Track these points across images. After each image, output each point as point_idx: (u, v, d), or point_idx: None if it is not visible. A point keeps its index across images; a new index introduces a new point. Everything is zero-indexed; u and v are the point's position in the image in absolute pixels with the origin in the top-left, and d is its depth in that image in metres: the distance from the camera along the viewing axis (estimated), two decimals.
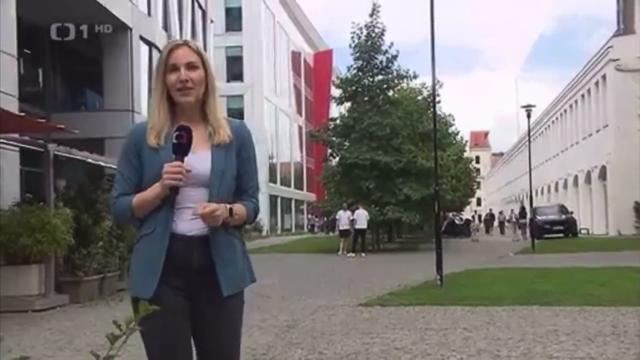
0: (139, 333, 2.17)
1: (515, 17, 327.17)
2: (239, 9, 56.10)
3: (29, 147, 12.72)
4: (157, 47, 23.19)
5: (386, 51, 30.61)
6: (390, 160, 28.24)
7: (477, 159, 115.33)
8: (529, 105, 32.34)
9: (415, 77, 31.15)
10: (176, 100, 2.82)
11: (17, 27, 14.74)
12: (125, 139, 2.91)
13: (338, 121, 31.90)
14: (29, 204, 12.16)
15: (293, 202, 66.36)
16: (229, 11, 55.72)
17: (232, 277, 2.81)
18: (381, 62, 30.56)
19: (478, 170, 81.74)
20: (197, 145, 2.76)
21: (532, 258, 22.58)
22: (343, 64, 47.69)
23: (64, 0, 17.90)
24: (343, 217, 26.96)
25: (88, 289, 12.44)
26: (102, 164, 14.24)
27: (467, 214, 65.27)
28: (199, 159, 2.77)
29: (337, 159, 31.36)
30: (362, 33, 30.56)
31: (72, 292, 12.07)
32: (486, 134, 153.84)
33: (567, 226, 38.45)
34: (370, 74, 30.52)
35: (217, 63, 44.16)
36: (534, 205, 36.53)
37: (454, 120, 45.88)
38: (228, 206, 2.77)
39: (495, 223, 56.56)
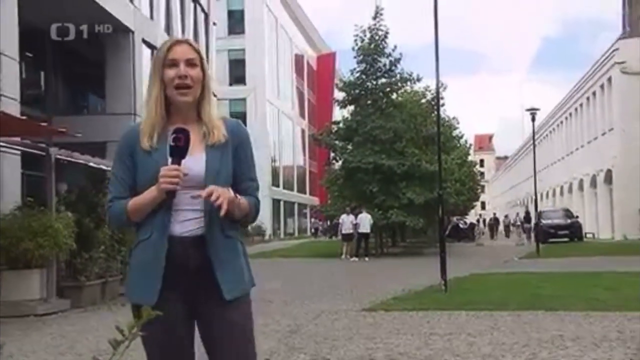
0: (140, 339, 2.14)
1: (519, 20, 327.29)
2: (242, 12, 56.14)
3: (30, 150, 12.67)
4: None
5: (390, 54, 30.56)
6: (394, 163, 28.17)
7: (482, 163, 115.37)
8: (534, 109, 32.22)
9: (419, 79, 31.14)
10: (173, 100, 2.77)
11: (19, 30, 14.72)
12: (119, 140, 2.86)
13: (341, 124, 31.84)
14: (30, 207, 12.11)
15: (296, 206, 66.33)
16: (231, 14, 55.75)
17: (233, 280, 2.75)
18: (384, 65, 30.50)
19: (482, 173, 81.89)
20: (192, 146, 2.70)
21: (537, 262, 22.51)
22: (346, 66, 48.04)
23: (66, 3, 17.90)
24: (346, 221, 26.88)
25: (90, 294, 12.39)
26: (104, 167, 14.16)
27: (471, 217, 65.11)
28: (194, 161, 2.71)
29: (340, 162, 31.29)
30: (365, 36, 30.52)
31: (74, 296, 12.01)
32: (490, 137, 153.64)
33: (573, 230, 38.24)
34: (374, 76, 30.46)
35: (219, 66, 44.09)
36: (539, 209, 36.37)
37: (458, 123, 45.95)
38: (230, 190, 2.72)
39: (500, 227, 56.41)
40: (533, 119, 32.38)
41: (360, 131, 29.25)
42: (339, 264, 24.54)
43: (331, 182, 32.05)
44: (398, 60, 30.55)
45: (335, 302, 12.01)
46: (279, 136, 60.92)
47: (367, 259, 26.05)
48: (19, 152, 13.44)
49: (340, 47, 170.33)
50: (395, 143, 28.84)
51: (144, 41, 22.42)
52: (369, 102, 30.38)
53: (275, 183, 57.32)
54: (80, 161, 13.09)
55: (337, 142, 31.40)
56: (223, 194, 2.61)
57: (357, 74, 30.79)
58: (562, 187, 57.16)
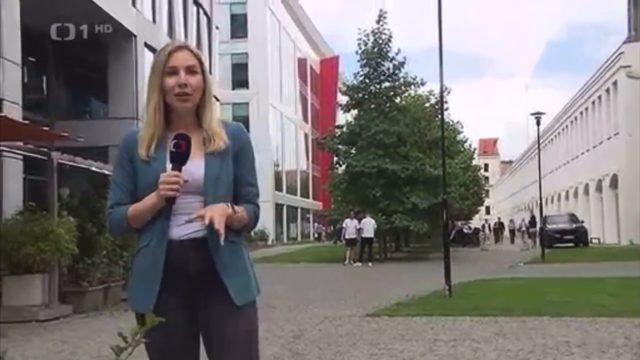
0: (143, 346, 2.11)
1: (524, 24, 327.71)
2: (245, 16, 56.16)
3: (32, 155, 12.63)
4: None
5: (393, 58, 30.49)
6: (398, 168, 28.07)
7: (486, 167, 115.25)
8: (539, 113, 32.10)
9: (422, 84, 31.03)
10: (173, 106, 2.71)
11: (22, 35, 14.70)
12: (119, 146, 2.81)
13: (344, 128, 31.74)
14: (32, 212, 12.07)
15: (299, 211, 66.26)
16: (234, 18, 55.79)
17: (241, 285, 2.70)
18: (388, 68, 30.42)
19: (487, 178, 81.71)
20: (192, 152, 2.65)
21: (542, 268, 22.45)
22: (350, 70, 47.97)
23: (68, 7, 17.90)
24: (350, 226, 26.80)
25: (92, 299, 12.36)
26: (106, 172, 14.10)
27: (476, 222, 64.98)
28: (194, 167, 2.66)
29: (344, 166, 31.21)
30: (368, 39, 30.45)
31: (76, 302, 11.98)
32: (495, 142, 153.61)
33: (578, 235, 38.08)
34: (377, 80, 30.39)
35: (222, 70, 44.14)
36: (544, 214, 36.26)
37: (462, 127, 45.81)
38: (227, 204, 2.66)
39: (505, 232, 56.24)
40: (538, 123, 32.28)
41: (364, 135, 29.18)
42: (342, 269, 24.50)
43: (334, 187, 31.98)
44: (402, 64, 30.48)
45: (339, 307, 11.98)
46: (282, 140, 60.90)
47: (370, 264, 25.98)
48: (21, 157, 13.41)
49: (344, 51, 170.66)
50: (399, 147, 28.76)
51: (147, 45, 22.40)
52: (372, 106, 30.31)
53: (278, 187, 57.28)
54: (83, 166, 13.06)
55: (340, 146, 31.33)
56: (220, 215, 2.57)
57: (361, 78, 30.72)
58: (567, 192, 57.07)
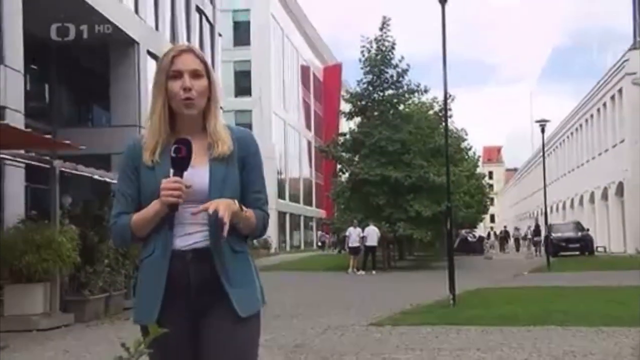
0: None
1: (528, 31, 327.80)
2: (248, 23, 56.23)
3: (34, 163, 12.59)
4: None
5: (397, 65, 30.43)
6: (401, 175, 27.99)
7: (490, 175, 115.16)
8: (543, 120, 32.02)
9: (426, 91, 30.99)
10: (178, 112, 2.65)
11: (24, 43, 14.70)
12: (123, 154, 2.73)
13: (348, 136, 31.70)
14: (34, 221, 12.10)
15: (302, 219, 66.19)
16: (237, 25, 55.87)
17: (246, 296, 2.64)
18: (391, 76, 30.36)
19: (491, 186, 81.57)
20: (196, 159, 2.58)
21: (548, 276, 22.33)
22: (353, 77, 47.97)
23: (71, 14, 17.91)
24: (353, 234, 26.72)
25: (94, 308, 12.31)
26: (109, 180, 14.10)
27: (480, 230, 64.83)
28: (198, 173, 2.60)
29: (347, 174, 31.14)
30: (372, 47, 30.41)
31: (78, 311, 11.92)
32: (499, 149, 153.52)
33: (583, 244, 37.90)
34: (381, 88, 30.34)
35: (225, 77, 44.15)
36: (549, 222, 36.11)
37: (466, 135, 45.66)
38: (235, 200, 2.59)
39: (511, 240, 56.05)
40: (543, 131, 32.20)
41: (367, 143, 29.12)
42: (345, 277, 24.44)
43: (338, 195, 31.88)
44: (405, 71, 30.43)
45: (342, 316, 11.91)
46: (285, 148, 60.89)
47: (374, 272, 25.90)
48: (23, 165, 13.38)
49: (347, 58, 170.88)
50: (402, 155, 28.67)
51: (149, 52, 22.40)
52: (375, 113, 30.27)
53: (281, 195, 57.24)
54: (85, 174, 13.01)
55: (343, 153, 31.28)
56: (225, 207, 2.50)
57: (364, 85, 30.69)
58: (572, 200, 56.91)
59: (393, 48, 30.45)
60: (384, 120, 29.50)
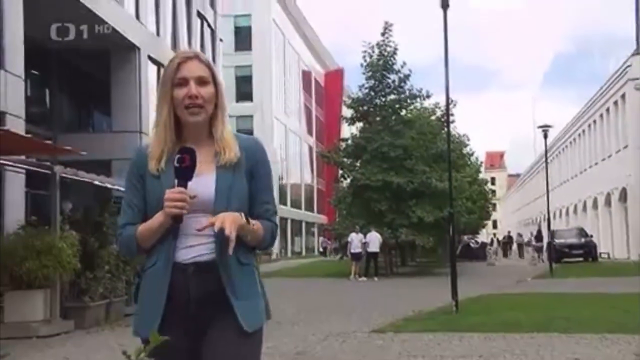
0: None
1: (531, 37, 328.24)
2: (249, 28, 56.26)
3: (35, 169, 12.54)
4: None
5: (398, 70, 30.42)
6: (403, 181, 27.93)
7: (493, 181, 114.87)
8: (546, 126, 31.96)
9: (428, 96, 30.98)
10: (183, 120, 2.59)
11: (25, 48, 14.67)
12: (129, 164, 2.69)
13: (349, 141, 31.67)
14: (34, 227, 12.04)
15: (303, 225, 66.13)
16: (238, 30, 55.91)
17: (251, 310, 2.58)
18: (393, 81, 30.36)
19: (494, 191, 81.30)
20: (202, 167, 2.52)
21: (551, 283, 22.28)
22: (354, 83, 47.74)
23: (72, 18, 17.90)
24: (355, 240, 26.64)
25: (94, 315, 12.27)
26: (109, 186, 14.06)
27: (483, 236, 64.73)
28: (203, 183, 2.53)
29: (349, 180, 31.08)
30: (373, 52, 30.40)
31: (78, 317, 11.88)
32: (502, 155, 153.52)
33: (587, 250, 37.83)
34: (383, 93, 30.32)
35: (226, 83, 44.16)
36: (552, 228, 35.97)
37: (468, 140, 45.66)
38: (241, 213, 2.51)
39: (514, 246, 55.91)
40: (545, 136, 32.12)
41: (369, 148, 29.07)
42: (347, 284, 24.39)
43: (339, 200, 31.83)
44: (407, 76, 30.42)
45: (344, 323, 11.87)
46: (286, 154, 60.87)
47: (376, 278, 25.82)
48: (23, 171, 13.33)
49: (348, 64, 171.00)
50: (404, 160, 28.62)
51: (150, 58, 22.37)
52: (377, 119, 30.24)
53: (282, 201, 57.16)
54: (85, 179, 12.95)
55: (345, 159, 31.23)
56: (231, 222, 2.43)
57: (366, 91, 30.67)
58: (575, 206, 56.80)
59: (395, 53, 30.45)
60: (386, 126, 29.44)
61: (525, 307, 13.58)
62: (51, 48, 19.64)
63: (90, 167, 13.60)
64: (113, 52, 21.11)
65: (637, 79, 38.70)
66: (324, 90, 75.09)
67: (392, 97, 30.37)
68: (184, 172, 2.46)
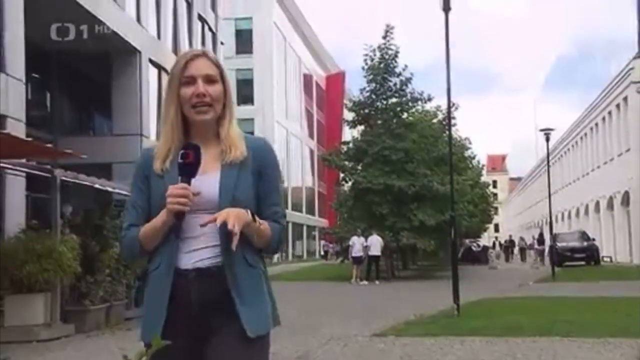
0: None
1: (533, 39, 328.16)
2: (250, 31, 56.30)
3: (35, 172, 12.53)
4: (166, 70, 23.12)
5: (400, 73, 30.41)
6: (405, 184, 27.89)
7: (495, 184, 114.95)
8: (548, 129, 31.93)
9: (429, 99, 30.94)
10: (191, 119, 2.53)
11: (26, 51, 14.67)
12: (135, 164, 2.64)
13: (351, 145, 31.67)
14: (34, 230, 12.01)
15: (304, 228, 66.09)
16: (239, 33, 55.94)
17: (257, 315, 2.48)
18: (395, 84, 30.34)
19: (495, 195, 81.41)
20: (207, 165, 2.47)
21: (553, 287, 22.23)
22: (356, 86, 47.81)
23: (73, 21, 17.90)
24: (357, 244, 26.62)
25: (94, 318, 12.23)
26: (110, 189, 14.06)
27: (484, 240, 64.66)
28: (208, 181, 2.47)
29: (350, 183, 31.05)
30: (375, 55, 30.39)
31: (78, 321, 11.85)
32: (503, 158, 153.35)
33: (589, 254, 37.66)
34: (384, 96, 30.30)
35: None
36: (554, 231, 35.91)
37: (470, 143, 45.62)
38: (247, 210, 2.43)
39: (516, 250, 55.80)
40: (547, 140, 32.10)
41: (371, 151, 29.04)
42: (349, 287, 24.36)
43: (341, 204, 31.81)
44: (409, 79, 30.40)
45: (345, 327, 11.83)
46: (288, 157, 60.83)
47: (377, 282, 25.80)
48: (23, 174, 13.32)
49: (350, 67, 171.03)
50: (406, 164, 28.58)
51: (151, 61, 22.40)
52: (379, 122, 30.22)
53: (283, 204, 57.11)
54: (86, 183, 12.94)
55: (346, 162, 31.20)
56: (235, 217, 2.36)
57: (367, 94, 30.65)
58: (577, 209, 56.75)
59: (396, 56, 30.44)
60: (388, 129, 29.41)
61: (527, 311, 13.54)
62: (52, 51, 19.65)
63: (91, 170, 13.59)
64: (114, 55, 21.14)
65: (639, 82, 38.65)
66: (325, 93, 75.12)
67: (394, 100, 30.35)
68: (188, 169, 2.41)
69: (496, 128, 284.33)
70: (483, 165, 59.88)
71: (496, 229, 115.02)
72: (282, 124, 58.90)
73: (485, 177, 64.98)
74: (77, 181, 12.60)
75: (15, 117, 13.93)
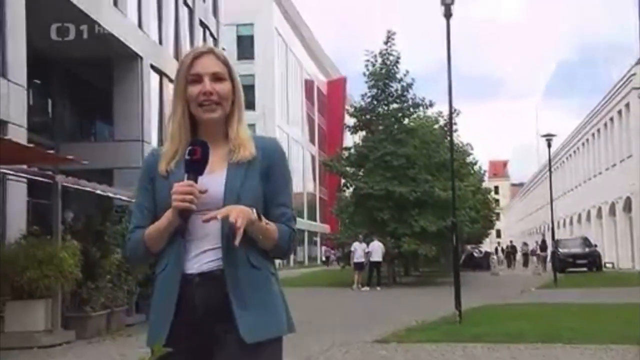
0: None
1: (535, 45, 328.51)
2: (251, 37, 56.37)
3: (37, 178, 12.51)
4: (167, 76, 23.16)
5: (401, 79, 30.39)
6: (406, 190, 27.85)
7: (496, 190, 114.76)
8: (550, 135, 31.90)
9: (431, 105, 30.90)
10: (198, 118, 2.46)
11: (27, 57, 14.68)
12: (141, 165, 2.58)
13: (352, 150, 31.66)
14: (35, 236, 11.97)
15: (306, 234, 65.99)
16: (240, 39, 56.00)
17: (257, 318, 2.37)
18: (396, 90, 30.32)
19: (497, 201, 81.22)
20: (214, 164, 2.40)
21: (555, 293, 22.18)
22: (357, 91, 47.69)
23: (74, 28, 17.92)
24: (358, 250, 26.57)
25: (95, 325, 12.18)
26: (111, 195, 14.02)
27: (486, 246, 64.51)
28: (215, 180, 2.39)
29: (351, 189, 31.00)
30: (376, 61, 30.38)
31: (79, 327, 11.80)
32: (505, 164, 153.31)
33: (591, 260, 37.61)
34: (385, 102, 30.28)
35: None
36: (556, 237, 35.83)
37: (472, 149, 45.53)
38: (253, 209, 2.35)
39: (518, 256, 55.64)
40: (549, 145, 32.05)
41: (372, 157, 29.01)
42: (350, 293, 24.30)
43: (342, 210, 31.76)
44: (410, 85, 30.39)
45: (347, 333, 11.80)
46: (289, 162, 60.78)
47: (379, 288, 25.74)
48: (25, 180, 13.31)
49: (351, 72, 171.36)
50: (407, 169, 28.56)
51: (152, 67, 22.41)
52: (380, 127, 30.19)
53: None
54: (87, 189, 12.92)
55: (348, 168, 31.17)
56: (238, 212, 2.27)
57: (368, 99, 30.64)
58: (579, 215, 56.67)
59: (397, 62, 30.42)
60: (389, 135, 29.40)
61: (529, 318, 13.48)
62: (53, 57, 19.66)
63: (92, 176, 13.60)
64: (115, 61, 21.16)
65: None
66: (327, 99, 75.16)
67: (395, 105, 30.34)
68: (195, 166, 2.34)
69: (498, 134, 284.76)
70: (485, 171, 59.80)
71: (498, 235, 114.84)
72: (283, 130, 58.90)
73: (486, 183, 64.82)
74: (78, 187, 12.57)
75: (17, 123, 13.93)
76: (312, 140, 70.35)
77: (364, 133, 31.89)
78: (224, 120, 2.49)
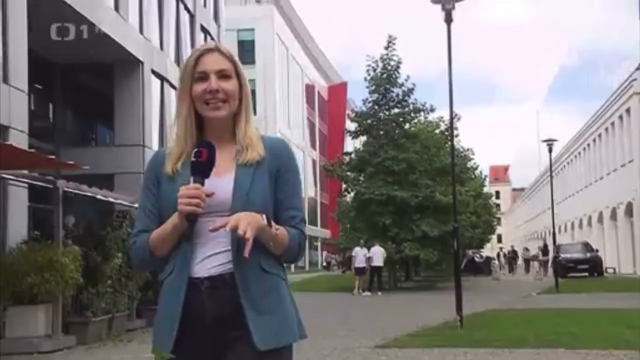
0: None
1: (535, 49, 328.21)
2: (252, 42, 56.42)
3: (38, 183, 12.51)
4: (168, 81, 23.15)
5: (402, 84, 30.42)
6: (407, 195, 27.86)
7: (497, 195, 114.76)
8: (551, 139, 31.88)
9: (432, 110, 30.90)
10: (204, 116, 2.40)
11: (29, 62, 14.69)
12: (146, 167, 2.51)
13: (353, 155, 31.66)
14: (36, 241, 11.99)
15: (307, 239, 65.89)
16: (242, 44, 55.99)
17: (271, 326, 2.31)
18: (397, 95, 30.35)
19: (498, 205, 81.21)
20: (222, 166, 2.33)
21: (557, 298, 22.16)
22: (358, 96, 47.58)
23: (74, 33, 17.94)
24: (359, 254, 26.54)
25: (96, 330, 12.17)
26: (112, 200, 14.03)
27: (487, 251, 64.43)
28: (222, 182, 2.33)
29: (352, 194, 31.00)
30: (377, 66, 30.40)
31: (80, 333, 11.80)
32: (506, 169, 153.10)
33: (592, 265, 37.50)
34: (386, 107, 30.30)
35: None
36: (557, 243, 35.78)
37: (473, 154, 45.54)
38: (263, 215, 2.28)
39: (519, 261, 55.52)
40: (550, 150, 32.03)
41: (373, 162, 29.03)
42: (351, 298, 24.26)
43: (343, 214, 31.76)
44: (411, 90, 30.41)
45: (348, 338, 11.80)
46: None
47: (380, 293, 25.69)
48: (26, 185, 13.31)
49: (352, 77, 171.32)
50: (408, 174, 28.57)
51: (154, 72, 22.40)
52: (381, 132, 30.22)
53: None
54: (88, 194, 12.93)
55: (349, 173, 31.18)
56: (247, 221, 2.21)
57: (369, 104, 30.66)
58: (581, 220, 56.61)
59: (398, 67, 30.45)
60: (390, 140, 29.43)
61: (531, 323, 13.50)
62: (55, 62, 19.68)
63: (93, 181, 13.59)
64: (116, 66, 21.15)
65: None
66: (327, 104, 75.22)
67: (396, 110, 30.36)
68: (201, 167, 2.27)
69: (499, 138, 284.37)
70: (486, 176, 59.82)
71: (499, 240, 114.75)
72: (284, 134, 58.83)
73: (488, 188, 64.84)
74: (79, 192, 12.58)
75: (18, 128, 13.92)
76: (313, 145, 70.38)
77: (364, 138, 31.90)
78: (231, 120, 2.44)
